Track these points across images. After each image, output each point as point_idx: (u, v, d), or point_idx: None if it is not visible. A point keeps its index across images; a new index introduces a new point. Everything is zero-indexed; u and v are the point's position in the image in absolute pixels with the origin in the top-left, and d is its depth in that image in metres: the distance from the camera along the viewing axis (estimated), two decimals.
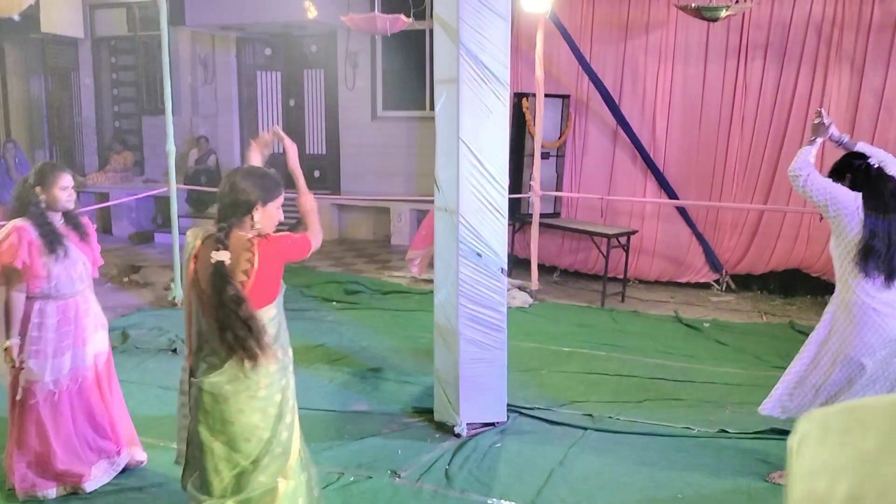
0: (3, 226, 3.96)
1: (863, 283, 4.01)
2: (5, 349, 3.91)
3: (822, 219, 4.34)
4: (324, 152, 13.11)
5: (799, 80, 8.28)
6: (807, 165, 4.07)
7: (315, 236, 3.26)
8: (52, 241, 3.90)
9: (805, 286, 8.45)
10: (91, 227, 4.22)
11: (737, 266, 8.87)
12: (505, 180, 4.82)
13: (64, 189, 3.97)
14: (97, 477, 4.17)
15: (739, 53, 8.52)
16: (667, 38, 8.86)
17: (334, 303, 8.22)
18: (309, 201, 3.34)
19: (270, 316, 3.07)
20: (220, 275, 2.90)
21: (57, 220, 4.02)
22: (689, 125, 8.91)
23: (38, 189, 3.91)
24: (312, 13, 8.92)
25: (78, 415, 4.14)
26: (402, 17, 8.52)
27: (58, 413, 4.05)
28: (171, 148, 7.79)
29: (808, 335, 6.95)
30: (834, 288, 4.31)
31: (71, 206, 4.04)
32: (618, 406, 5.40)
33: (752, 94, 8.52)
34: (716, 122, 8.74)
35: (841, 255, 4.09)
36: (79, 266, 4.04)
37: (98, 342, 4.21)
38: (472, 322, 4.84)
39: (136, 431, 4.45)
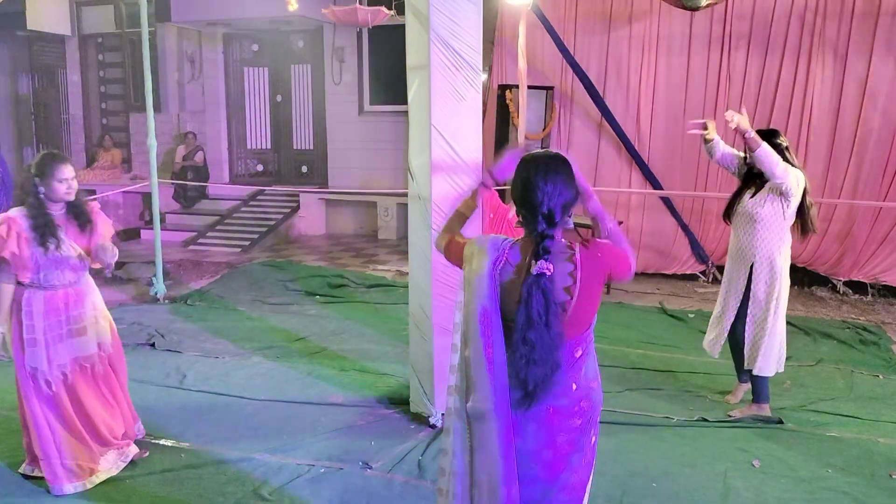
0: None
1: (788, 243, 4.92)
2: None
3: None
4: (311, 147, 13.09)
5: (782, 70, 8.26)
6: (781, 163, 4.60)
7: (632, 256, 2.58)
8: (43, 234, 3.86)
9: (790, 276, 8.35)
10: (99, 217, 4.11)
11: (723, 257, 8.73)
12: (478, 167, 4.78)
13: (62, 181, 3.89)
14: (105, 469, 4.14)
15: (723, 43, 8.49)
16: (650, 28, 8.82)
17: (317, 297, 8.17)
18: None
19: (582, 349, 2.54)
20: (544, 291, 2.36)
21: (57, 210, 3.96)
22: (673, 116, 8.86)
23: (36, 180, 3.87)
24: (293, 6, 8.90)
25: (87, 404, 4.12)
26: (383, 9, 8.50)
27: (60, 404, 4.03)
28: (153, 142, 7.82)
29: (792, 325, 7.02)
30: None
31: (70, 197, 3.95)
32: None
33: (736, 84, 8.49)
34: (700, 113, 8.67)
35: (784, 221, 4.83)
36: (73, 259, 3.97)
37: (100, 331, 4.17)
38: (447, 310, 4.79)
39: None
